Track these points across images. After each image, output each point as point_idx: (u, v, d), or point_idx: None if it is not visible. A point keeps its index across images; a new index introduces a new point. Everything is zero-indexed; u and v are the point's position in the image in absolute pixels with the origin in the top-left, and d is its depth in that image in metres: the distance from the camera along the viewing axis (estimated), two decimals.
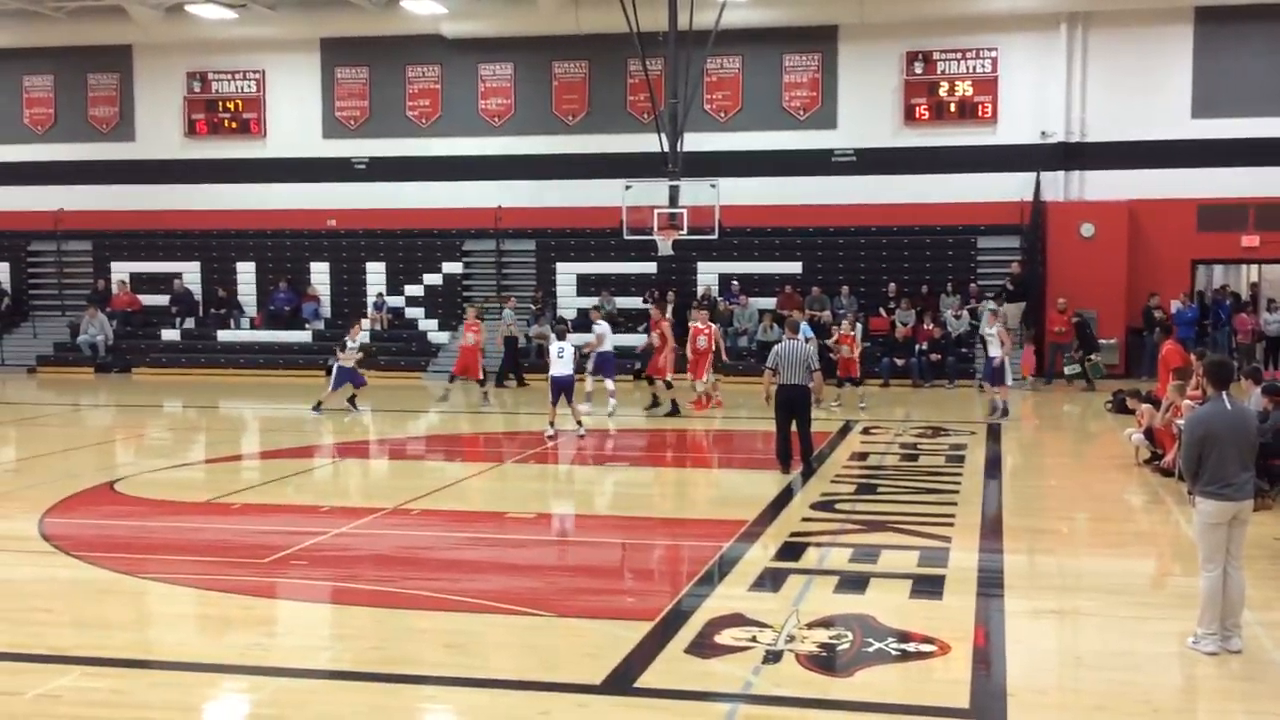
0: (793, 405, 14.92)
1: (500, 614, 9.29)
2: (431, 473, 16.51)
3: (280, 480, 15.43)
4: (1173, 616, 8.90)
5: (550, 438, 18.25)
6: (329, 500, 13.94)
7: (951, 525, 12.23)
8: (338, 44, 30.97)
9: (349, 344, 21.73)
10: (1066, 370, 25.63)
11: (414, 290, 30.87)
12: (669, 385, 21.34)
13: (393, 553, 11.43)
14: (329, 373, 22.42)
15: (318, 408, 21.41)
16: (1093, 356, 25.47)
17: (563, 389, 18.22)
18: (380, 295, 30.74)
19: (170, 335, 30.88)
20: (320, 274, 31.46)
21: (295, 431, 20.60)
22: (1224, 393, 8.43)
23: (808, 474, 14.90)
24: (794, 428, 15.09)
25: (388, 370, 28.33)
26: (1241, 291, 30.50)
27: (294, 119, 31.52)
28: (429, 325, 30.28)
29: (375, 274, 31.11)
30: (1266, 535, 11.35)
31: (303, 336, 30.27)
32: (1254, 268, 30.64)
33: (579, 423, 18.64)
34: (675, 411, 20.85)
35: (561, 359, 18.33)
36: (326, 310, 31.25)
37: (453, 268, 30.84)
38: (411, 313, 30.70)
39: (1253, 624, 8.67)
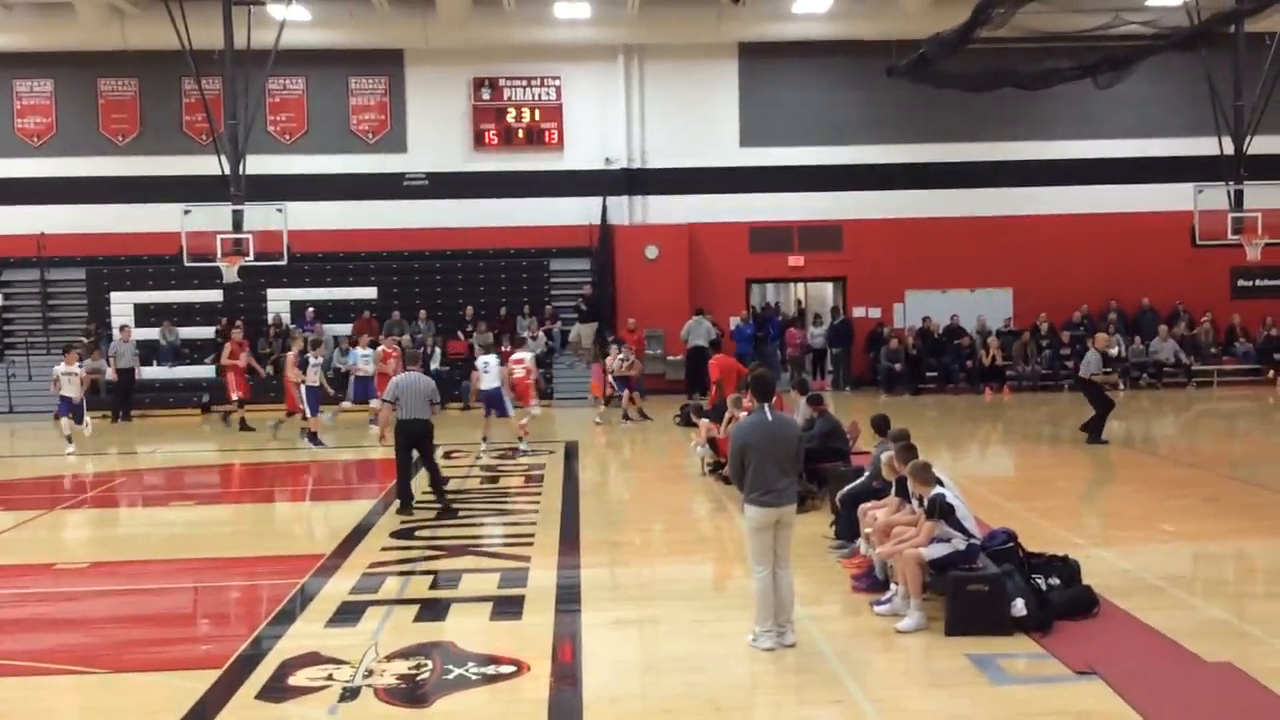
0: (413, 439, 14.26)
1: (48, 675, 8.54)
2: None
3: None
4: (736, 618, 9.36)
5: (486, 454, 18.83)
6: None
7: (531, 545, 12.39)
8: None
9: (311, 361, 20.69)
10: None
11: None
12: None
13: None
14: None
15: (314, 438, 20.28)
16: None
17: (491, 403, 19.32)
18: None
19: None
20: None
21: None
22: (765, 405, 8.95)
23: (446, 509, 14.11)
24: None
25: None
26: (789, 308, 32.91)
27: None
28: None
29: None
30: (816, 534, 12.23)
31: None
32: (800, 285, 33.20)
33: (520, 438, 19.34)
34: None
35: (488, 373, 19.34)
36: None
37: None
38: None
39: (805, 618, 9.29)
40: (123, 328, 26.32)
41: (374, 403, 21.17)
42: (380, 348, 22.84)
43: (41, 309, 28.43)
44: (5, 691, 8.27)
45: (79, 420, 20.13)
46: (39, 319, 28.32)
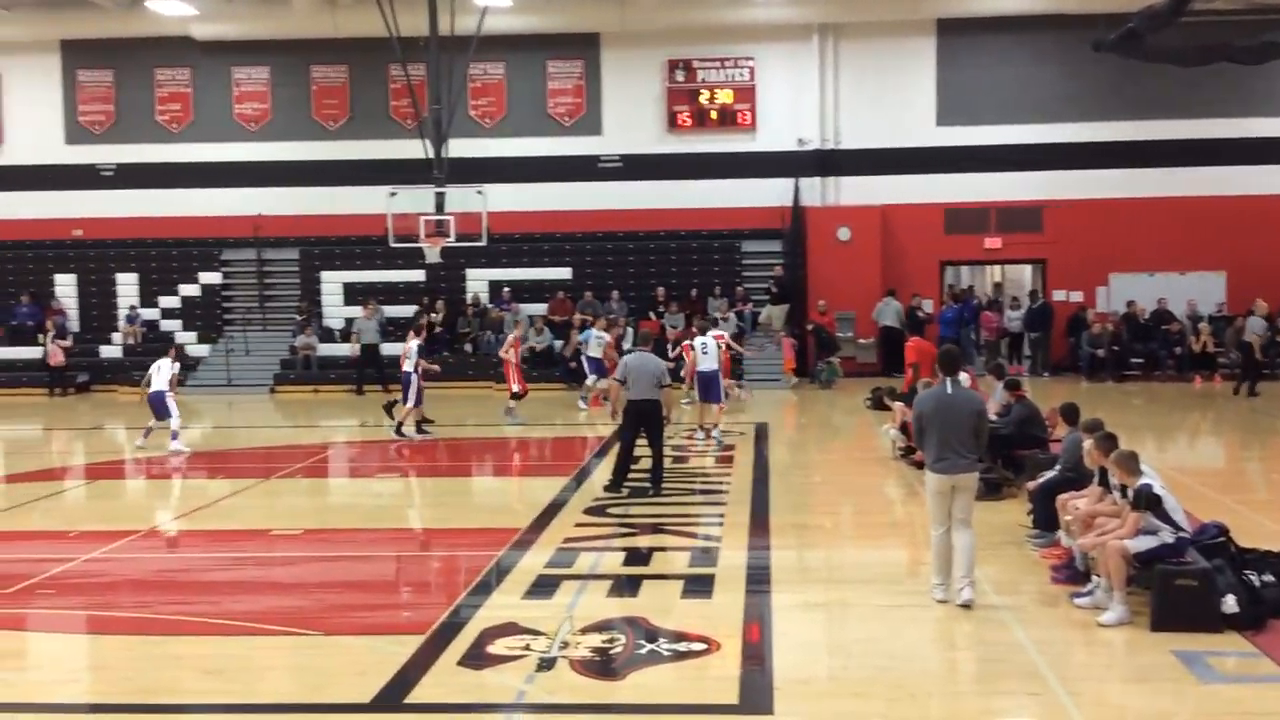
0: (641, 419, 14.23)
1: (265, 635, 8.97)
2: (192, 491, 15.82)
3: (26, 505, 14.50)
4: (928, 604, 9.26)
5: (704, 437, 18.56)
6: (79, 524, 13.18)
7: (721, 525, 12.47)
8: (79, 46, 29.45)
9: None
10: (817, 374, 26.48)
11: (169, 302, 29.64)
12: None
13: (148, 577, 10.90)
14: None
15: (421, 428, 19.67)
16: (832, 360, 26.42)
17: (706, 386, 18.90)
18: (133, 308, 29.41)
19: None
20: (66, 286, 29.86)
21: (41, 453, 19.44)
22: (949, 379, 9.33)
23: (657, 494, 14.11)
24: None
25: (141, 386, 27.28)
26: (987, 291, 32.13)
27: (34, 124, 29.88)
28: (187, 338, 29.03)
29: (127, 286, 29.73)
30: (1012, 523, 11.96)
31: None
32: (997, 268, 32.39)
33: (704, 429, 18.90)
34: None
35: (706, 354, 18.96)
36: (75, 324, 29.64)
37: (211, 278, 29.76)
38: (168, 325, 29.44)
39: (1001, 608, 9.14)
40: (367, 305, 27.51)
41: (602, 382, 21.28)
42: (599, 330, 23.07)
43: (258, 288, 29.86)
44: (224, 649, 8.75)
45: (172, 414, 18.45)
46: (255, 297, 29.76)
